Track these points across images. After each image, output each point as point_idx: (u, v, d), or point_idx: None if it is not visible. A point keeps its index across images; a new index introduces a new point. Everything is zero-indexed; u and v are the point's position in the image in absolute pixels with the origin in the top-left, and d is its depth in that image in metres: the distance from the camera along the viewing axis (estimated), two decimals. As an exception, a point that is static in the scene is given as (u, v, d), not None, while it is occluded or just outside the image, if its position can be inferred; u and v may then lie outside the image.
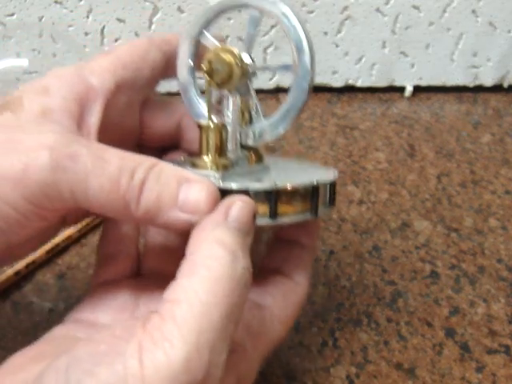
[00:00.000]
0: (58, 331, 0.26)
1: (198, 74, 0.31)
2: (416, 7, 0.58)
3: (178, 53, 0.31)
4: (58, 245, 0.40)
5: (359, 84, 0.62)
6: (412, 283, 0.39)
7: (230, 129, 0.28)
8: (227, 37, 0.56)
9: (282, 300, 0.28)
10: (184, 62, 0.31)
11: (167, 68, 0.31)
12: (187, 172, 0.25)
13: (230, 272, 0.22)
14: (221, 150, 0.27)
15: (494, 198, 0.47)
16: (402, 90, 0.63)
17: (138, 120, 0.31)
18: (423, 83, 0.63)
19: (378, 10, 0.58)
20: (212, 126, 0.27)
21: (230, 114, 0.29)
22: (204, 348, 0.20)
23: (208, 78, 0.27)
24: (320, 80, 0.61)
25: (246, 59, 0.28)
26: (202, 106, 0.31)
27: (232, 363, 0.24)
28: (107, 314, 0.27)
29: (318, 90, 0.62)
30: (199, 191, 0.24)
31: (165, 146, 0.33)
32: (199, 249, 0.22)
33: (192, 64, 0.30)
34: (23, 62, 0.53)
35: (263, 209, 0.26)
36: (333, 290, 0.38)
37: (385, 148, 0.53)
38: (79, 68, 0.28)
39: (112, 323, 0.26)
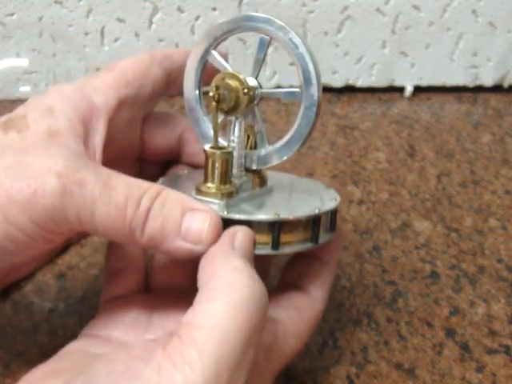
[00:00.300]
0: (73, 347, 0.26)
1: (204, 91, 0.31)
2: (416, 7, 0.58)
3: (185, 71, 0.31)
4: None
5: (359, 84, 0.62)
6: (412, 283, 0.39)
7: (235, 154, 0.29)
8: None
9: (297, 315, 0.28)
10: (191, 80, 0.31)
11: (168, 84, 0.31)
12: (192, 201, 0.25)
13: (250, 296, 0.22)
14: (226, 177, 0.27)
15: (493, 198, 0.47)
16: (402, 90, 0.63)
17: (138, 135, 0.32)
18: (423, 83, 0.63)
19: (378, 10, 0.58)
20: (218, 153, 0.27)
21: (235, 139, 0.29)
22: (223, 374, 0.20)
23: (215, 105, 0.27)
24: (320, 80, 0.61)
25: (253, 84, 0.28)
26: (208, 126, 0.31)
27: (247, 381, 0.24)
28: (120, 330, 0.27)
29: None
30: (203, 221, 0.24)
31: (166, 160, 0.34)
32: (217, 276, 0.23)
33: (199, 83, 0.30)
34: (23, 62, 0.53)
35: (266, 239, 0.26)
36: (333, 290, 0.38)
37: (385, 148, 0.53)
38: (82, 85, 0.28)
39: (126, 339, 0.26)
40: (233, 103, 0.27)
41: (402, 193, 0.48)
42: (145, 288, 0.30)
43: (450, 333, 0.35)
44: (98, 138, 0.27)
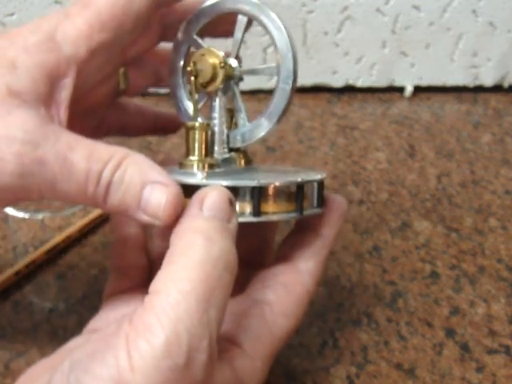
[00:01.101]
0: (74, 342, 0.26)
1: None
2: (416, 7, 0.58)
3: (170, 55, 0.31)
4: (58, 245, 0.40)
5: (359, 84, 0.62)
6: (412, 283, 0.39)
7: (216, 129, 0.29)
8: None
9: (284, 292, 0.27)
10: (175, 64, 0.31)
11: (157, 21, 0.29)
12: (154, 172, 0.24)
13: (205, 256, 0.22)
14: (206, 150, 0.28)
15: (493, 198, 0.47)
16: (401, 90, 0.63)
17: (114, 83, 0.30)
18: (423, 83, 0.63)
19: (378, 10, 0.58)
20: (197, 125, 0.27)
21: (216, 115, 0.29)
22: (182, 333, 0.20)
23: (193, 80, 0.28)
24: (320, 80, 0.61)
25: (232, 63, 0.29)
26: (191, 109, 0.31)
27: (227, 357, 0.24)
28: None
29: (318, 90, 0.62)
30: (160, 195, 0.24)
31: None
32: (177, 240, 0.23)
33: (182, 66, 0.31)
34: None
35: (249, 207, 0.26)
36: (333, 290, 0.38)
37: (385, 148, 0.53)
38: (50, 34, 0.26)
39: None
40: (209, 77, 0.28)
41: (402, 193, 0.48)
42: (148, 284, 0.30)
43: (450, 333, 0.35)
44: (64, 96, 0.26)
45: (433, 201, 0.47)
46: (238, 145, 0.30)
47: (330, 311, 0.36)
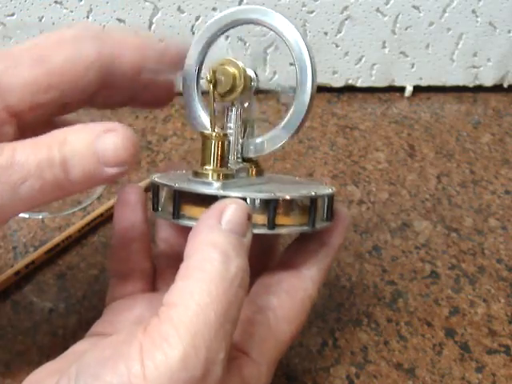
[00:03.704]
0: (79, 347, 0.26)
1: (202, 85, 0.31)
2: (416, 7, 0.58)
3: (185, 62, 0.30)
4: (58, 245, 0.40)
5: (359, 84, 0.62)
6: (412, 283, 0.39)
7: (231, 140, 0.29)
8: (227, 37, 0.56)
9: (287, 298, 0.27)
10: (190, 72, 0.31)
11: (105, 93, 0.28)
12: (96, 127, 0.24)
13: (223, 272, 0.22)
14: (222, 160, 0.27)
15: (493, 198, 0.47)
16: (402, 89, 0.62)
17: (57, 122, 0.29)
18: (423, 83, 0.63)
19: (378, 10, 0.58)
20: (214, 135, 0.27)
21: (232, 126, 0.29)
22: (201, 346, 0.20)
23: (211, 89, 0.28)
24: (320, 80, 0.61)
25: (251, 74, 0.29)
26: (203, 117, 0.31)
27: (235, 365, 0.24)
28: (126, 326, 0.27)
29: (318, 89, 0.61)
30: (113, 139, 0.23)
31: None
32: (194, 253, 0.23)
33: (197, 74, 0.30)
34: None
35: (262, 219, 0.26)
36: (333, 290, 0.38)
37: (385, 148, 0.53)
38: None
39: None
40: (228, 87, 0.28)
41: (402, 193, 0.48)
42: (151, 288, 0.30)
43: (450, 333, 0.35)
44: (5, 139, 0.25)
45: (433, 201, 0.47)
46: (251, 155, 0.30)
47: (330, 311, 0.36)
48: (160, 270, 0.31)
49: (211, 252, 0.22)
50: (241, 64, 0.28)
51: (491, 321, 0.36)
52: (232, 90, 0.28)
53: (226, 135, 0.28)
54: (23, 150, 0.23)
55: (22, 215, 0.43)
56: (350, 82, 0.62)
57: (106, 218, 0.43)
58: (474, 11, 0.59)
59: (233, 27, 0.30)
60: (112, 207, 0.42)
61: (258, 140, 0.30)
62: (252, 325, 0.26)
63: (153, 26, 0.57)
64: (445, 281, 0.39)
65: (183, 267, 0.23)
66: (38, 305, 0.36)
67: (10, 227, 0.42)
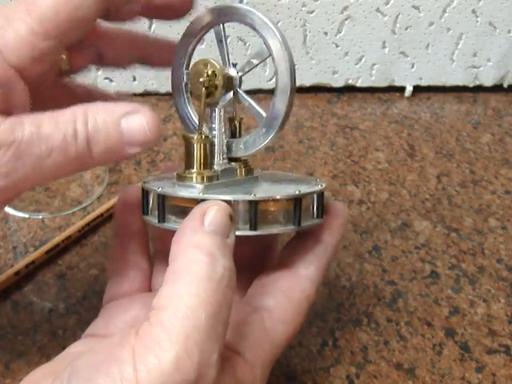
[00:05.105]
0: (74, 348, 0.26)
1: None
2: (416, 7, 0.58)
3: (172, 65, 0.30)
4: (58, 245, 0.40)
5: (359, 84, 0.62)
6: (412, 283, 0.39)
7: (216, 141, 0.29)
8: (228, 37, 0.56)
9: (284, 299, 0.27)
10: (177, 75, 0.30)
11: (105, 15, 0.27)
12: (120, 107, 0.24)
13: (210, 273, 0.22)
14: (205, 163, 0.27)
15: (493, 198, 0.47)
16: (402, 89, 0.63)
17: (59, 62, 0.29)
18: (423, 83, 0.63)
19: (377, 10, 0.58)
20: (195, 138, 0.27)
21: (216, 126, 0.29)
22: (193, 348, 0.20)
23: (204, 91, 0.28)
24: (320, 80, 0.61)
25: (230, 71, 0.29)
26: (187, 108, 0.31)
27: (229, 366, 0.24)
28: (120, 328, 0.27)
29: (318, 90, 0.62)
30: (139, 119, 0.24)
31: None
32: (180, 255, 0.23)
33: (185, 77, 0.30)
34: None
35: (245, 220, 0.26)
36: (333, 290, 0.38)
37: (385, 148, 0.53)
38: None
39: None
40: (209, 88, 0.28)
41: (402, 193, 0.48)
42: (148, 287, 0.30)
43: (450, 333, 0.35)
44: (18, 99, 0.25)
45: (433, 201, 0.47)
46: (240, 154, 0.29)
47: (330, 311, 0.36)
48: (155, 269, 0.31)
49: (197, 254, 0.22)
50: (217, 62, 0.28)
51: (491, 321, 0.36)
52: (211, 92, 0.28)
53: (207, 137, 0.27)
54: (48, 125, 0.24)
55: (22, 215, 0.43)
56: (349, 82, 0.62)
57: (106, 218, 0.43)
58: (474, 11, 0.59)
59: (216, 26, 0.29)
60: (112, 207, 0.42)
61: (247, 138, 0.29)
62: (246, 325, 0.26)
63: (153, 26, 0.57)
64: (445, 281, 0.39)
65: (170, 271, 0.23)
66: (38, 305, 0.36)
67: (10, 227, 0.42)
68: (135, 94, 0.60)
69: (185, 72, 0.30)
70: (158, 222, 0.26)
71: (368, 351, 0.34)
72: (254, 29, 0.28)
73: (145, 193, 0.28)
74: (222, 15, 0.29)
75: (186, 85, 0.30)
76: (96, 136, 0.24)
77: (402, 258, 0.41)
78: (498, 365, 0.33)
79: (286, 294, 0.27)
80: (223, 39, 0.29)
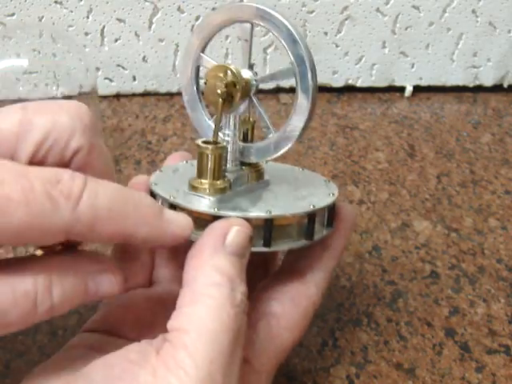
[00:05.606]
0: (75, 342, 0.26)
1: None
2: (416, 7, 0.58)
3: (182, 72, 0.30)
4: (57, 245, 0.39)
5: (359, 84, 0.62)
6: (412, 283, 0.39)
7: (229, 148, 0.28)
8: (227, 37, 0.56)
9: (291, 306, 0.27)
10: (189, 81, 0.30)
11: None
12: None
13: (231, 299, 0.22)
14: (219, 173, 0.27)
15: (493, 198, 0.47)
16: (402, 89, 0.63)
17: None
18: (423, 83, 0.63)
19: (377, 10, 0.58)
20: (210, 149, 0.26)
21: (230, 133, 0.28)
22: (217, 374, 0.21)
23: (221, 101, 0.27)
24: (320, 80, 0.61)
25: (246, 75, 0.28)
26: (202, 115, 0.30)
27: (240, 378, 0.24)
28: (122, 325, 0.27)
29: (317, 89, 0.62)
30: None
31: None
32: (199, 276, 0.23)
33: (196, 84, 0.30)
34: (23, 62, 0.53)
35: (258, 236, 0.25)
36: (333, 290, 0.38)
37: (385, 148, 0.53)
38: None
39: (129, 335, 0.26)
40: (227, 96, 0.27)
41: (402, 193, 0.48)
42: (148, 282, 0.30)
43: (450, 333, 0.35)
44: None
45: (433, 201, 0.47)
46: (251, 161, 0.29)
47: (330, 311, 0.36)
48: (157, 263, 0.31)
49: (217, 277, 0.22)
50: (234, 68, 0.27)
51: (491, 321, 0.36)
52: (230, 98, 0.27)
53: (223, 147, 0.27)
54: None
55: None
56: (349, 82, 0.62)
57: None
58: (474, 11, 0.59)
59: (225, 27, 0.29)
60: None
61: (257, 145, 0.29)
62: (254, 332, 0.26)
63: (153, 26, 0.57)
64: (445, 281, 0.39)
65: (189, 291, 0.22)
66: (38, 305, 0.36)
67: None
68: (135, 94, 0.61)
69: (196, 75, 0.29)
70: None
71: (368, 351, 0.34)
72: (283, 44, 0.27)
73: (154, 196, 0.27)
74: (257, 16, 0.27)
75: (198, 90, 0.30)
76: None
77: (401, 258, 0.41)
78: (498, 365, 0.33)
79: (294, 301, 0.27)
80: (250, 38, 0.28)
